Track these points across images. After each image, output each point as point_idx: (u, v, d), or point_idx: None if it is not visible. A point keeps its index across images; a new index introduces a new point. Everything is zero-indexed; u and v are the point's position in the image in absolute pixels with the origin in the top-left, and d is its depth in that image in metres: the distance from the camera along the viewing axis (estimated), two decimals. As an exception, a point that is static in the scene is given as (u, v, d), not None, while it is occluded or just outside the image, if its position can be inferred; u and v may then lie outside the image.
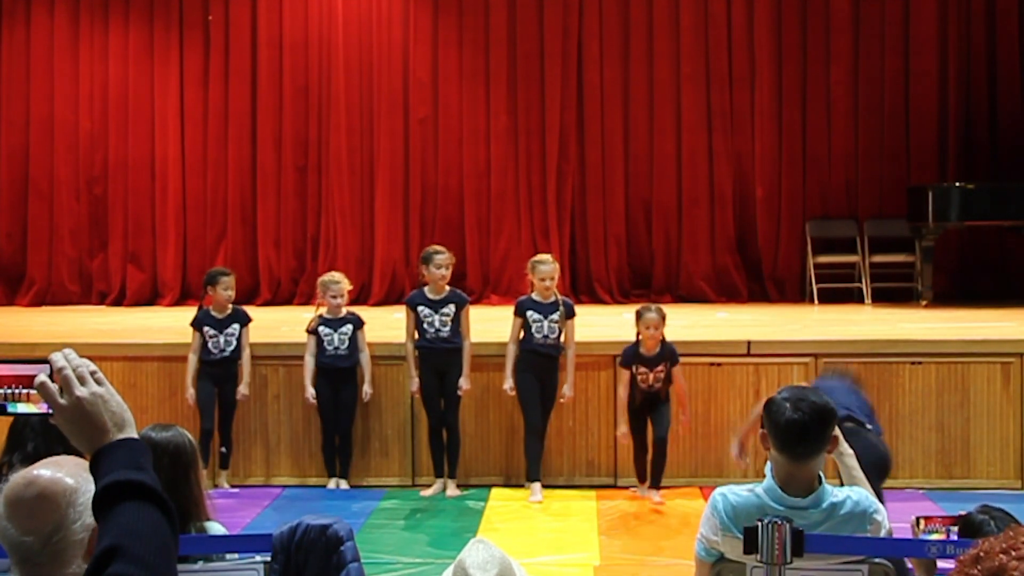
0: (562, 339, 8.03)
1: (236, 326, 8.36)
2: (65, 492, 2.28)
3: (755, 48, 12.53)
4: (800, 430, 3.51)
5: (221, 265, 10.87)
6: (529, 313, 7.99)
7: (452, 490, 8.15)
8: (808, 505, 3.54)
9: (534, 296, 8.05)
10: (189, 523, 3.68)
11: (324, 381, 8.25)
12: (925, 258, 11.29)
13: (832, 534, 3.49)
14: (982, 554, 1.69)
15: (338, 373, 8.25)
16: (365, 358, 8.28)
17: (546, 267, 8.06)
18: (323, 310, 8.33)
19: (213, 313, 8.37)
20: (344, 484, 8.32)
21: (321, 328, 8.26)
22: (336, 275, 8.49)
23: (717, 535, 3.63)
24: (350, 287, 8.49)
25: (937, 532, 3.41)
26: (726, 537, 3.59)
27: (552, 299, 8.01)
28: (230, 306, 8.43)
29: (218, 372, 8.30)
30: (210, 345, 8.29)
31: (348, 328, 8.28)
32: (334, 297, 8.24)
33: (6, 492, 2.30)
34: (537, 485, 7.98)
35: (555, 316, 7.96)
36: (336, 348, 8.24)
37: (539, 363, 7.99)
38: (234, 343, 8.33)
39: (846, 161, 12.55)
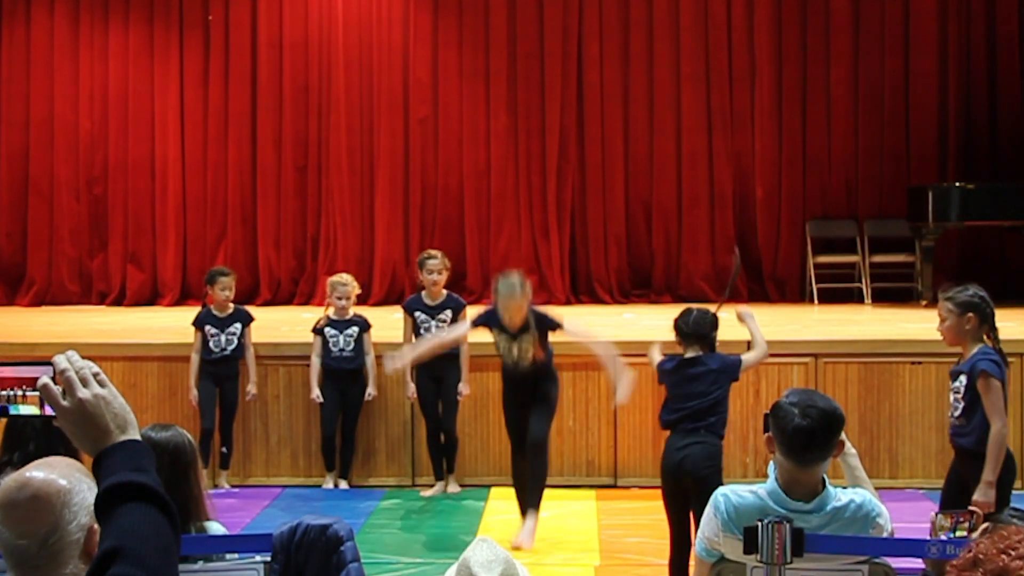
0: (540, 354, 6.82)
1: (238, 325, 8.37)
2: (59, 493, 2.28)
3: (755, 48, 12.53)
4: (807, 437, 3.49)
5: (221, 265, 10.87)
6: (497, 339, 6.88)
7: (453, 487, 8.15)
8: (811, 509, 3.53)
9: (504, 322, 6.75)
10: (189, 523, 3.68)
11: (329, 382, 8.25)
12: (925, 258, 11.30)
13: (832, 535, 3.49)
14: (980, 556, 1.69)
15: (343, 375, 8.25)
16: (370, 360, 8.27)
17: (508, 287, 6.71)
18: (331, 310, 8.34)
19: (215, 312, 8.39)
20: (344, 484, 8.32)
21: (327, 329, 8.27)
22: (344, 277, 8.45)
23: (718, 535, 3.63)
24: (358, 290, 8.43)
25: (961, 528, 3.40)
26: (727, 537, 3.59)
27: (523, 324, 6.68)
28: (231, 305, 8.45)
29: (219, 371, 8.31)
30: (211, 344, 8.30)
31: (354, 330, 8.27)
32: (339, 299, 8.22)
33: None
34: (530, 524, 6.78)
35: (525, 338, 6.72)
36: (341, 350, 8.24)
37: (515, 383, 6.90)
38: (235, 342, 8.33)
39: (846, 161, 12.55)
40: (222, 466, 8.39)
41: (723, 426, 5.73)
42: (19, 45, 12.89)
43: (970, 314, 5.40)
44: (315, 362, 8.25)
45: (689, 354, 5.78)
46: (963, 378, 5.44)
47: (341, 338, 8.23)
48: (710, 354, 5.80)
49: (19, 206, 12.87)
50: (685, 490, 5.54)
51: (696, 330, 5.79)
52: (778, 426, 3.53)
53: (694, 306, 6.04)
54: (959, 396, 5.47)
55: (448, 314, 8.04)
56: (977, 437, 5.37)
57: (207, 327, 8.33)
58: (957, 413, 5.50)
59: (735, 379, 5.82)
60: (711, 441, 5.62)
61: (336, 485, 8.30)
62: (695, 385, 5.70)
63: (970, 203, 11.05)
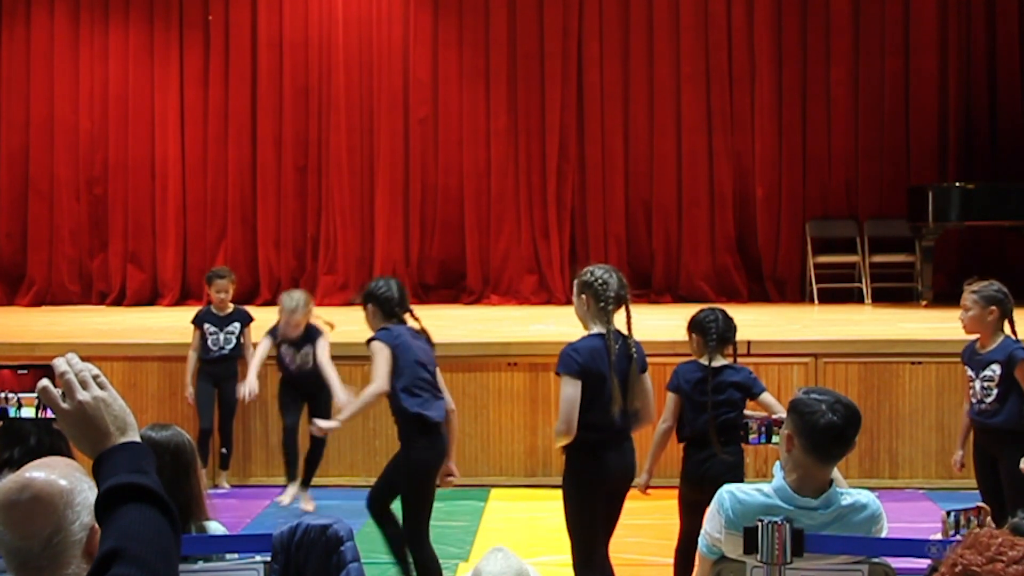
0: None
1: (237, 325, 8.35)
2: (61, 493, 2.28)
3: (755, 48, 12.54)
4: (838, 433, 3.52)
5: (221, 265, 10.85)
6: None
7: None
8: (818, 506, 3.55)
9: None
10: (189, 521, 3.69)
11: (291, 390, 7.80)
12: (925, 258, 11.30)
13: (832, 534, 3.50)
14: (975, 569, 1.67)
15: (302, 382, 7.71)
16: (325, 368, 7.50)
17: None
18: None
19: (214, 311, 8.39)
20: (292, 493, 7.77)
21: (282, 347, 7.75)
22: (292, 297, 7.73)
23: (720, 533, 3.63)
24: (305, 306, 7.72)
25: (973, 525, 3.40)
26: (729, 535, 3.58)
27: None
28: (231, 305, 8.45)
29: (217, 371, 8.29)
30: (209, 343, 8.28)
31: (308, 348, 7.67)
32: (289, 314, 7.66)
33: None
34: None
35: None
36: (299, 367, 7.68)
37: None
38: (234, 342, 8.32)
39: (846, 161, 12.55)
40: (222, 466, 8.38)
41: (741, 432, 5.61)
42: (19, 45, 12.89)
43: (993, 307, 5.74)
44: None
45: (716, 362, 5.57)
46: (996, 367, 5.78)
47: (298, 356, 7.67)
48: (736, 365, 5.65)
49: (19, 206, 12.88)
50: (704, 499, 5.47)
51: (728, 335, 5.64)
52: (806, 422, 3.52)
53: (716, 306, 5.88)
54: (992, 384, 5.80)
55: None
56: (1008, 416, 5.74)
57: (206, 325, 8.31)
58: (990, 399, 5.83)
59: (751, 398, 5.62)
60: (733, 451, 5.51)
61: (289, 499, 7.75)
62: (724, 395, 5.53)
63: (970, 203, 11.05)
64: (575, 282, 5.25)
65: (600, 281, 5.10)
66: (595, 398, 4.99)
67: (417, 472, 5.70)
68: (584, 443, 5.03)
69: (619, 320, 5.19)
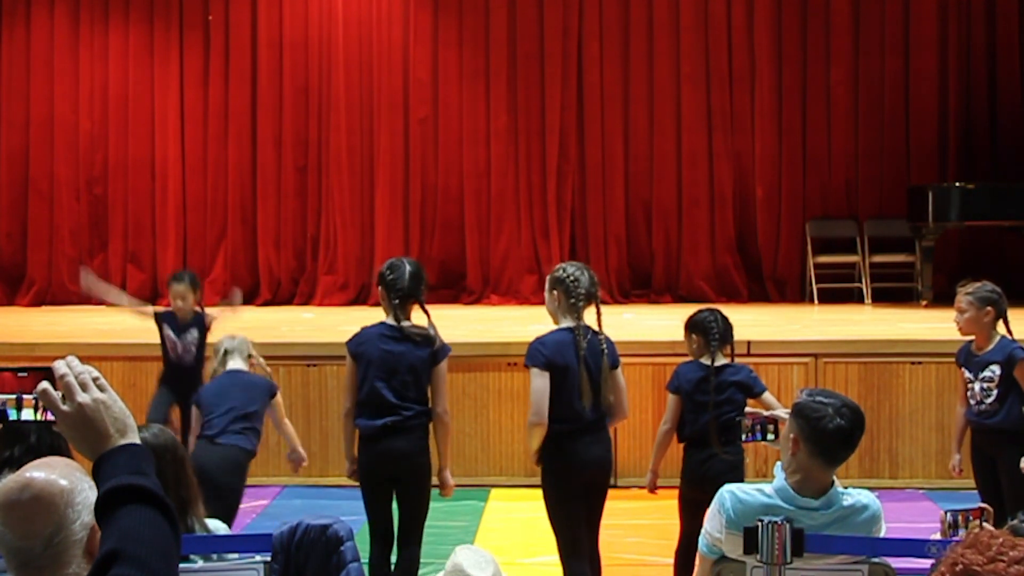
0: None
1: (195, 332, 7.39)
2: (62, 493, 2.29)
3: (755, 48, 12.54)
4: (847, 436, 3.53)
5: (221, 265, 10.81)
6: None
7: None
8: (819, 506, 3.56)
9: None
10: (190, 516, 3.69)
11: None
12: (925, 258, 11.30)
13: (832, 534, 3.50)
14: (975, 569, 1.67)
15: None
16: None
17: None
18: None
19: (176, 315, 7.45)
20: None
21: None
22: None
23: (721, 532, 3.63)
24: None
25: (973, 525, 3.41)
26: (730, 535, 3.59)
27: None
28: (192, 313, 7.41)
29: (180, 381, 7.27)
30: (168, 347, 7.39)
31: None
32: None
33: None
34: None
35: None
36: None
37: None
38: (193, 351, 7.38)
39: (846, 161, 12.55)
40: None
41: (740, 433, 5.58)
42: (19, 45, 12.89)
43: (988, 308, 5.78)
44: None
45: (718, 361, 5.55)
46: (995, 367, 5.81)
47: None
48: (736, 364, 5.63)
49: (19, 206, 12.88)
50: (705, 499, 5.43)
51: (728, 335, 5.62)
52: (813, 427, 3.52)
53: (712, 306, 5.87)
54: (991, 384, 5.84)
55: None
56: (1007, 416, 5.77)
57: (165, 327, 7.39)
58: (990, 400, 5.86)
59: (752, 397, 5.58)
60: (733, 451, 5.48)
61: None
62: (726, 395, 5.50)
63: (970, 203, 11.06)
64: (547, 278, 5.33)
65: (572, 278, 5.20)
66: (562, 390, 5.08)
67: (361, 476, 5.62)
68: (556, 435, 5.12)
69: (591, 319, 5.26)
